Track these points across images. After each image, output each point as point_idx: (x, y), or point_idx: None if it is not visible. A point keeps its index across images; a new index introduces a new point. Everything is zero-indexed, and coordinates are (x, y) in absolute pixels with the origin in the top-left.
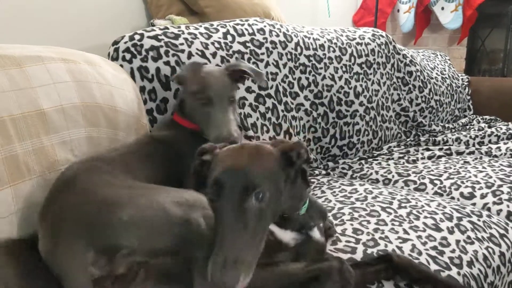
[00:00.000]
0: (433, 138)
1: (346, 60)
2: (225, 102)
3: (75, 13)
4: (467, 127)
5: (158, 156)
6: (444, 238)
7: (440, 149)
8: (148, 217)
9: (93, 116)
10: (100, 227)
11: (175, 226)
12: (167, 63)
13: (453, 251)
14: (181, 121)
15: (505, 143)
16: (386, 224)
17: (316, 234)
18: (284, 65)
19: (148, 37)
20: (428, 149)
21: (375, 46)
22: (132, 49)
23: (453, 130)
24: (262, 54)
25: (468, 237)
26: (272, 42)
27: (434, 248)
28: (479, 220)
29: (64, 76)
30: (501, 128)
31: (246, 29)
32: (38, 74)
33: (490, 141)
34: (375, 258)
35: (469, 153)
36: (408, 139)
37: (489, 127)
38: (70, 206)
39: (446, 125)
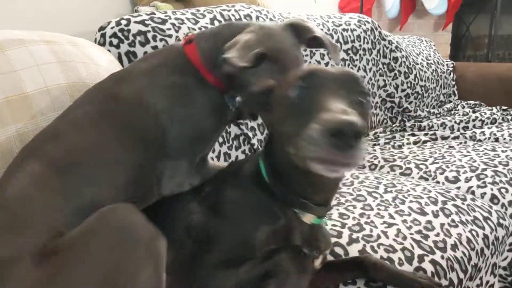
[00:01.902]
0: (418, 123)
1: None
2: None
3: (58, 1)
4: (452, 112)
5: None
6: (429, 222)
7: (426, 134)
8: None
9: None
10: None
11: None
12: (155, 47)
13: (437, 234)
14: (202, 69)
15: (489, 128)
16: (372, 209)
17: None
18: None
19: (135, 22)
20: (413, 135)
21: (361, 32)
22: (119, 34)
23: (438, 116)
24: None
25: (453, 220)
26: None
27: (419, 232)
28: (463, 204)
29: (47, 57)
30: (485, 113)
31: (233, 15)
32: (21, 57)
33: (474, 126)
34: (346, 261)
35: (454, 138)
36: (394, 125)
37: (474, 112)
38: None
39: (431, 111)
